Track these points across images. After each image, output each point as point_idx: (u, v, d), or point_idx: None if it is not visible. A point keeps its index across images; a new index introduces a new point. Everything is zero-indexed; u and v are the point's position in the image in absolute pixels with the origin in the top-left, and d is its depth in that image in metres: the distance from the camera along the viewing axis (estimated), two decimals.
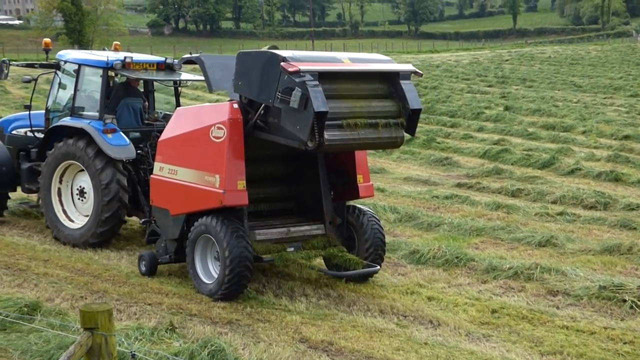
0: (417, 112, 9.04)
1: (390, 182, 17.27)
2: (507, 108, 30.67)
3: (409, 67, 9.25)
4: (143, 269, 10.30)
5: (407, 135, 9.33)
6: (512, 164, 19.23)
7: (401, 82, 8.97)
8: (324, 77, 8.40)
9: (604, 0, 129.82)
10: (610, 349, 7.71)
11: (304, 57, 8.70)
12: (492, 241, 12.06)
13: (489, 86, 42.19)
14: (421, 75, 9.57)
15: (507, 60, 63.13)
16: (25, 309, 8.31)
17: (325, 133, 8.35)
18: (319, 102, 8.15)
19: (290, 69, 8.25)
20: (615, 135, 23.93)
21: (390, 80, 9.05)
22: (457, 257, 10.66)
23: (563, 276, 9.77)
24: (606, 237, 12.08)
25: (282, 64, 8.37)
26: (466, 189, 16.46)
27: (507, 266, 10.19)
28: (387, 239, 11.68)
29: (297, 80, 8.24)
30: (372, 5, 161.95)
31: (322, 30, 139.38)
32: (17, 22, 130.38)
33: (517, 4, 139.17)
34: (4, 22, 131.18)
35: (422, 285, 9.80)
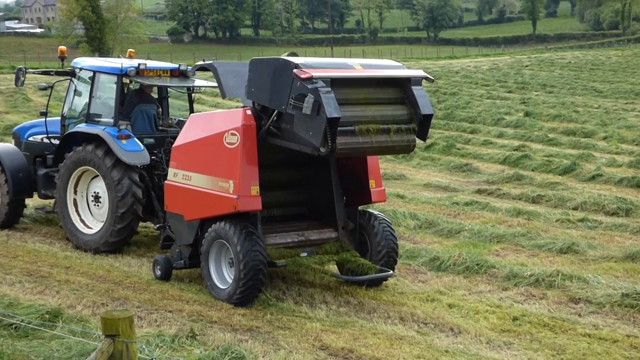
0: (429, 117, 9.09)
1: (410, 189, 17.23)
2: (527, 114, 30.52)
3: (419, 72, 9.27)
4: (158, 273, 10.36)
5: (419, 141, 9.35)
6: (532, 170, 19.11)
7: (412, 87, 9.02)
8: (336, 83, 8.46)
9: (625, 5, 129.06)
10: (634, 357, 7.63)
11: (316, 64, 8.76)
12: (512, 248, 11.99)
13: (509, 92, 42.01)
14: (432, 80, 9.59)
15: (526, 66, 62.87)
16: (47, 316, 8.37)
17: (337, 139, 8.39)
18: (331, 108, 8.20)
19: (302, 76, 8.30)
20: (636, 141, 23.73)
21: (401, 86, 9.09)
22: (477, 264, 10.61)
23: (585, 283, 9.69)
24: (628, 244, 11.97)
25: (294, 70, 8.41)
26: (486, 195, 16.39)
27: (528, 273, 10.13)
28: (407, 245, 11.68)
29: (309, 86, 8.30)
30: (391, 12, 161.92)
31: (341, 36, 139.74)
32: (38, 30, 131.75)
33: (537, 9, 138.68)
34: (26, 30, 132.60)
35: (443, 292, 9.76)
